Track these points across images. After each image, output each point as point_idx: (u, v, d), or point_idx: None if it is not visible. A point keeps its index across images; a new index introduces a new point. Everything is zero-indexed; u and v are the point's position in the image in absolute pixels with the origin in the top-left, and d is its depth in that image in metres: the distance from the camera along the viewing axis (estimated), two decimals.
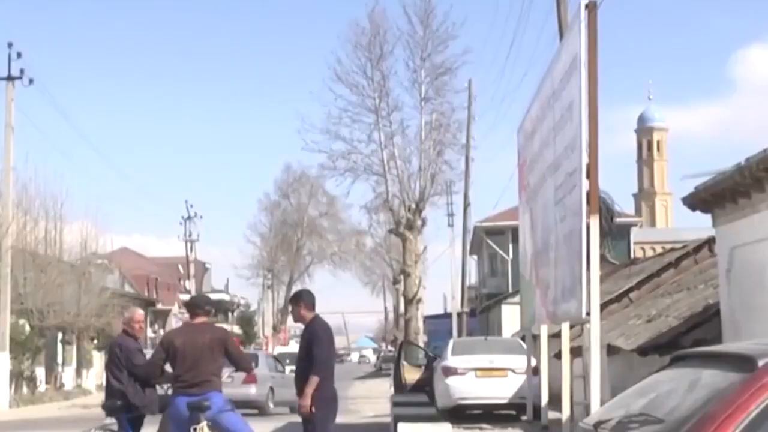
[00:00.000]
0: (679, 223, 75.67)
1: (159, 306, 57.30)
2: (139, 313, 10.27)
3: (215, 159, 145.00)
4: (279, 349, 51.08)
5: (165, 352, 8.77)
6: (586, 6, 10.27)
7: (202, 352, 8.51)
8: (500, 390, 17.03)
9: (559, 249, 11.92)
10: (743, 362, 3.84)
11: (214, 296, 64.95)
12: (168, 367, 9.00)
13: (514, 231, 25.34)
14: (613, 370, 15.15)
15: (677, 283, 17.82)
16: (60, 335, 36.08)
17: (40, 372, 33.59)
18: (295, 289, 63.03)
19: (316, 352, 8.32)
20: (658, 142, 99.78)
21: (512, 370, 17.07)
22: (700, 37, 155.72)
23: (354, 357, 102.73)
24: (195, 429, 8.35)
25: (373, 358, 75.23)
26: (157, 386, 9.75)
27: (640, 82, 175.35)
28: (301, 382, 8.48)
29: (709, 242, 17.39)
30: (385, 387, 30.93)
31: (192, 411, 8.37)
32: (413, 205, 38.37)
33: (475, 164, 41.02)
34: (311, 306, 8.68)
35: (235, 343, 9.38)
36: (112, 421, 9.74)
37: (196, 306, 9.04)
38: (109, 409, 9.67)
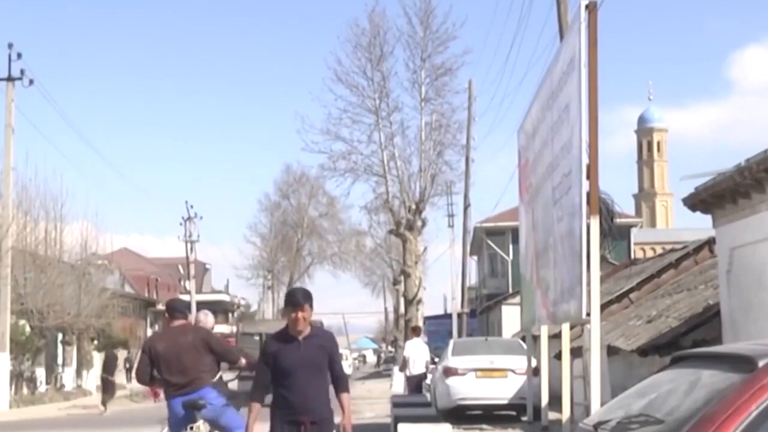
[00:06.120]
0: (679, 224, 75.98)
1: (159, 307, 57.30)
2: None
3: (215, 159, 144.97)
4: None
5: (149, 357, 8.68)
6: (586, 6, 10.28)
7: (187, 352, 8.50)
8: (500, 391, 17.03)
9: (557, 249, 11.93)
10: (743, 363, 3.84)
11: (214, 297, 64.98)
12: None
13: (514, 231, 25.35)
14: (613, 370, 15.14)
15: (677, 284, 17.84)
16: (60, 336, 36.07)
17: (40, 372, 33.58)
18: None
19: (340, 367, 6.93)
20: (658, 143, 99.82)
21: (512, 371, 17.07)
22: (698, 39, 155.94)
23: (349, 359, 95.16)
24: (191, 428, 8.34)
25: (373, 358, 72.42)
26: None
27: (640, 82, 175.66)
28: (321, 394, 6.75)
29: (709, 243, 17.42)
30: (385, 387, 30.93)
31: (187, 410, 8.36)
32: (413, 206, 38.35)
33: (475, 165, 40.99)
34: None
35: (218, 339, 9.33)
36: None
37: (174, 309, 8.99)
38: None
